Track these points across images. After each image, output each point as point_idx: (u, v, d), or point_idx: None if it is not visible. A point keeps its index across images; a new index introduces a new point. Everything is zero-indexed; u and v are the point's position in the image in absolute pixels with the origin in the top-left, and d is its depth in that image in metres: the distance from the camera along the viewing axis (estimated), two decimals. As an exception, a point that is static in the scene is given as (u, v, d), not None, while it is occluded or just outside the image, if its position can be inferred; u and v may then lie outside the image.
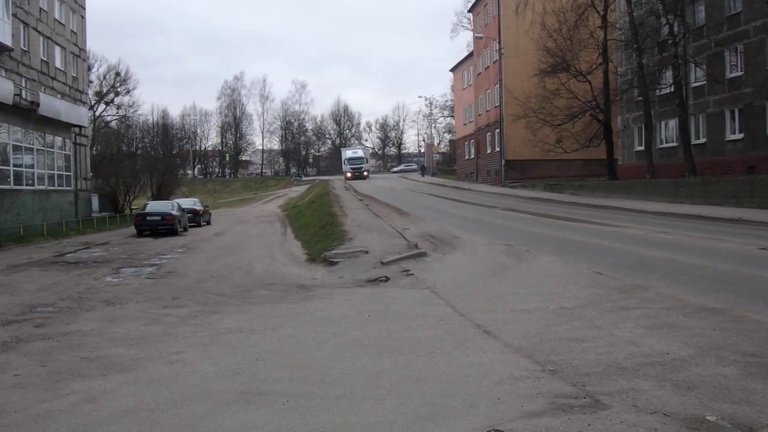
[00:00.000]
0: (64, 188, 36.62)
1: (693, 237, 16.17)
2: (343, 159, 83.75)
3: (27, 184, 31.23)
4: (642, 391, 5.50)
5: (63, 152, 36.59)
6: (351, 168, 77.60)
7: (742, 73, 30.96)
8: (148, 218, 29.54)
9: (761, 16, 29.35)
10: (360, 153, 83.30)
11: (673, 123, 35.68)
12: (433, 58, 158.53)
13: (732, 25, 31.35)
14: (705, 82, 33.38)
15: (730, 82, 31.72)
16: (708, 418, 4.83)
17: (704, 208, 24.27)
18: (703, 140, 33.91)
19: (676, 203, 27.02)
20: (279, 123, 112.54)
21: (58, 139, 35.62)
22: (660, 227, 18.91)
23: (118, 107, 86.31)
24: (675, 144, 35.71)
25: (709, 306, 8.62)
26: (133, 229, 30.94)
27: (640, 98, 35.75)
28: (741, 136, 31.20)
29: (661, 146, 37.53)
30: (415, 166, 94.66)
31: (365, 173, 78.07)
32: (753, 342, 6.83)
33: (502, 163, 49.71)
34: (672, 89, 33.15)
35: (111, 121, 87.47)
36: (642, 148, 36.86)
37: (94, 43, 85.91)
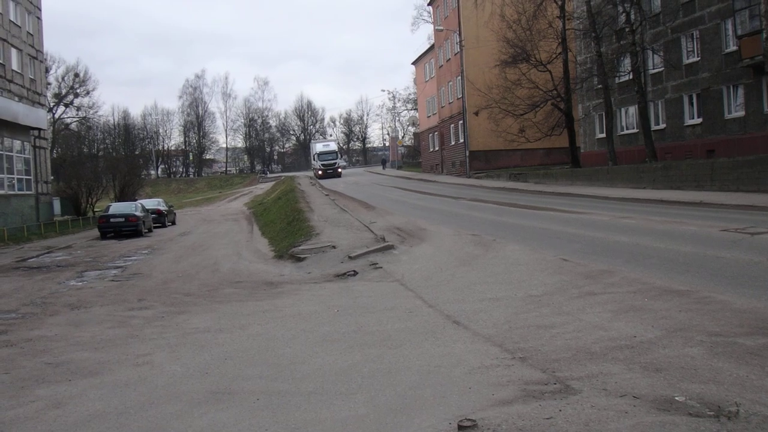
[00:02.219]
0: (25, 192, 35.87)
1: (656, 221, 16.41)
2: (312, 154, 74.03)
3: (-15, 189, 30.51)
4: (611, 375, 5.55)
5: (22, 156, 35.82)
6: (322, 164, 66.63)
7: (699, 58, 31.47)
8: (111, 220, 29.10)
9: (716, 1, 29.85)
10: (332, 146, 72.26)
11: (633, 110, 36.17)
12: (390, 51, 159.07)
13: (687, 11, 31.85)
14: (663, 68, 33.89)
15: (687, 67, 32.24)
16: (677, 398, 4.89)
17: (666, 192, 24.65)
18: (662, 126, 34.44)
19: (639, 188, 27.40)
20: (242, 120, 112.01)
21: (17, 143, 34.85)
22: (623, 213, 19.15)
23: (78, 109, 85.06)
24: (635, 130, 36.20)
25: (674, 288, 8.73)
26: (96, 232, 30.49)
27: (599, 86, 36.16)
28: (699, 120, 31.74)
29: (622, 133, 38.03)
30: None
31: (339, 170, 67.81)
32: (718, 322, 6.94)
33: (467, 154, 49.94)
34: (631, 76, 33.57)
35: (71, 123, 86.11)
36: (603, 135, 37.31)
37: (50, 45, 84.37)
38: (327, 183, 51.19)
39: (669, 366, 5.66)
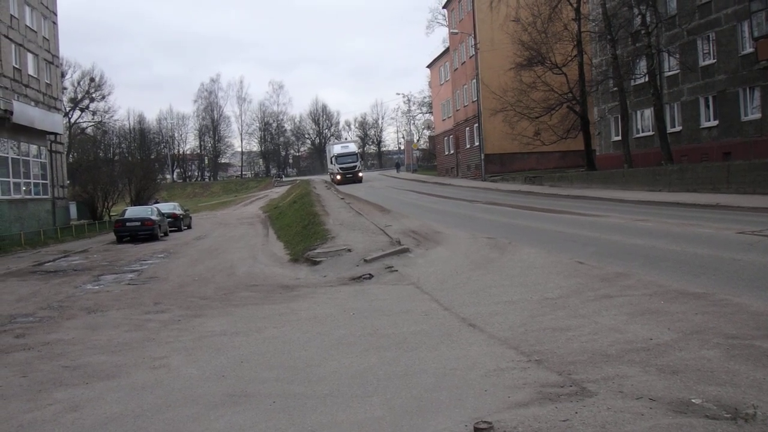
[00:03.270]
0: (41, 197, 36.21)
1: (672, 224, 16.31)
2: (329, 156, 66.52)
3: (3, 194, 30.84)
4: (627, 377, 5.53)
5: (39, 160, 36.17)
6: (341, 168, 59.28)
7: (715, 60, 31.25)
8: (127, 224, 29.32)
9: (732, 3, 29.64)
10: (352, 147, 65.03)
11: (648, 112, 35.95)
12: (404, 54, 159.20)
13: (703, 13, 31.64)
14: (679, 70, 33.67)
15: (704, 70, 32.02)
16: (693, 400, 4.87)
17: (682, 195, 24.48)
18: (678, 128, 34.20)
19: (654, 191, 27.23)
20: (257, 124, 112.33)
21: (33, 147, 35.20)
22: (639, 215, 19.05)
23: (94, 113, 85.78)
24: (651, 133, 35.98)
25: (691, 291, 8.68)
26: (112, 236, 30.70)
27: (615, 89, 35.97)
28: (716, 123, 31.51)
29: (638, 135, 37.82)
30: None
31: (360, 174, 60.62)
32: (735, 325, 6.89)
33: (482, 158, 49.87)
34: (646, 79, 33.36)
35: (87, 128, 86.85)
36: (619, 138, 37.10)
37: (66, 50, 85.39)
38: (346, 189, 47.23)
39: (685, 368, 5.64)
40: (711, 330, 6.77)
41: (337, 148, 63.12)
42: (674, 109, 34.58)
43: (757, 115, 28.87)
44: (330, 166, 64.24)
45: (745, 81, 29.36)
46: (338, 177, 58.78)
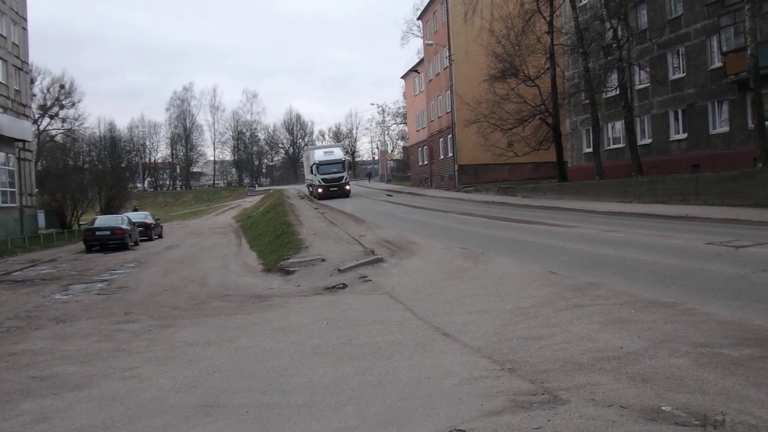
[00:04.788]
0: (9, 205, 35.64)
1: (642, 234, 16.51)
2: (306, 164, 55.97)
3: (-30, 202, 30.32)
4: (599, 385, 5.59)
5: (6, 168, 35.62)
6: (324, 179, 48.86)
7: (685, 74, 31.81)
8: (97, 233, 28.93)
9: (701, 18, 30.23)
10: (338, 153, 52.42)
11: (619, 124, 36.44)
12: (379, 65, 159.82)
13: (673, 28, 32.22)
14: (649, 84, 34.21)
15: (673, 83, 32.56)
16: (663, 408, 4.93)
17: (652, 206, 24.80)
18: (648, 141, 34.72)
19: (625, 202, 27.55)
20: (231, 133, 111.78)
21: (1, 155, 34.69)
22: (610, 226, 19.26)
23: (63, 120, 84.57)
24: (622, 145, 36.47)
25: (660, 300, 8.80)
26: (81, 245, 30.27)
27: (587, 101, 36.43)
28: (685, 135, 32.03)
29: (609, 147, 38.31)
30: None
31: (347, 186, 49.78)
32: (703, 333, 7.00)
33: (456, 168, 50.15)
34: (617, 92, 33.84)
35: (56, 135, 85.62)
36: (590, 149, 37.54)
37: (36, 56, 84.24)
38: (333, 204, 40.36)
39: (656, 376, 5.71)
40: (680, 339, 6.87)
41: (318, 154, 51.16)
42: (644, 121, 35.11)
43: (726, 129, 29.43)
44: (309, 176, 53.72)
45: (713, 95, 29.92)
46: (320, 190, 48.57)
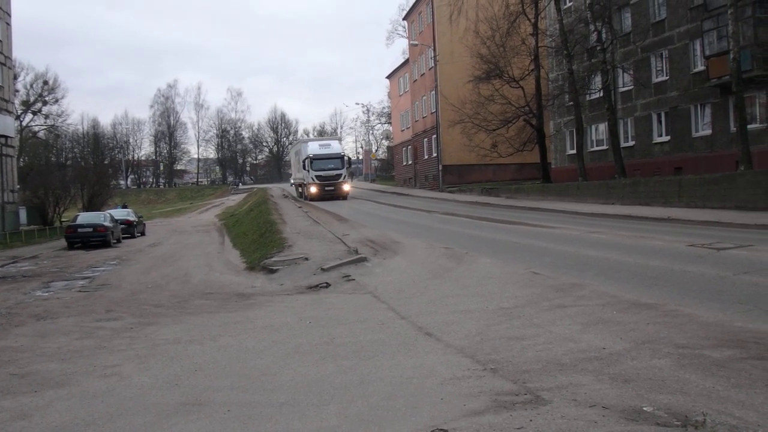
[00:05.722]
0: (-10, 201, 35.26)
1: (625, 236, 16.61)
2: (296, 159, 49.76)
3: (-51, 198, 29.94)
4: (581, 386, 5.61)
5: (-13, 164, 35.24)
6: (318, 176, 41.98)
7: (668, 77, 32.06)
8: (79, 230, 28.71)
9: (685, 22, 30.47)
10: (336, 147, 44.80)
11: (603, 127, 36.66)
12: (364, 66, 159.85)
13: (657, 31, 32.46)
14: (632, 86, 34.45)
15: (657, 86, 32.81)
16: (645, 408, 4.96)
17: (635, 208, 24.96)
18: (632, 143, 34.96)
19: (608, 204, 27.72)
20: (215, 131, 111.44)
21: (-18, 150, 34.30)
22: (593, 227, 19.36)
23: (47, 117, 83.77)
24: (605, 147, 36.68)
25: (643, 301, 8.86)
26: (63, 242, 30.02)
27: (571, 103, 36.60)
28: (668, 138, 32.28)
29: (592, 149, 38.53)
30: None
31: (345, 186, 43.06)
32: (685, 335, 7.05)
33: (440, 168, 50.22)
34: (601, 94, 34.04)
35: (39, 131, 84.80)
36: (574, 151, 37.74)
37: (19, 52, 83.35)
38: (318, 204, 37.48)
39: (637, 377, 5.75)
40: (662, 340, 6.91)
41: (312, 148, 43.83)
42: (628, 124, 35.34)
43: (708, 131, 29.69)
44: (298, 174, 47.66)
45: (696, 98, 30.18)
46: (313, 189, 41.77)
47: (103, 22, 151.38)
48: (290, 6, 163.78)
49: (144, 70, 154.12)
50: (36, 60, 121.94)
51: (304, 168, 43.52)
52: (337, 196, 41.83)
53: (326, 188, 41.80)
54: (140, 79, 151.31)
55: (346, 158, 44.21)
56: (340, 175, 42.52)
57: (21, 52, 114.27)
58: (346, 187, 42.91)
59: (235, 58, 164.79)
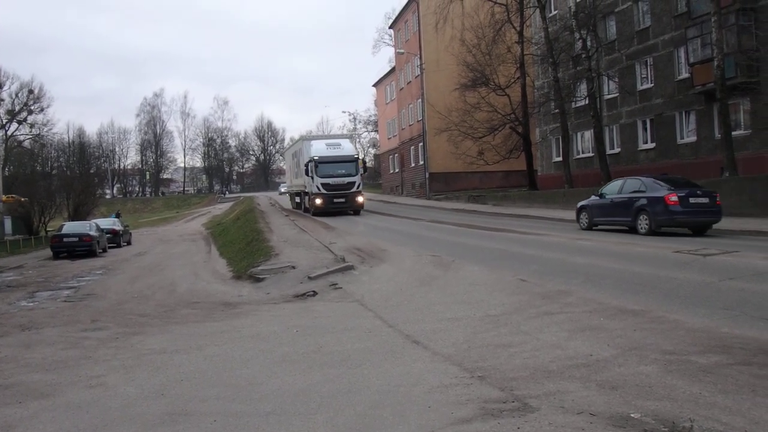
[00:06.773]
0: (-27, 211, 34.95)
1: (611, 243, 16.69)
2: (295, 163, 40.43)
3: (-68, 208, 29.66)
4: (568, 393, 5.61)
5: (-29, 173, 34.96)
6: (325, 183, 32.91)
7: (652, 85, 32.32)
8: (64, 240, 28.52)
9: (669, 30, 30.76)
10: (347, 147, 35.17)
11: (588, 134, 36.89)
12: (350, 74, 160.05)
13: (642, 39, 32.73)
14: (618, 94, 34.70)
15: (642, 93, 33.06)
16: (632, 415, 4.96)
17: (621, 215, 25.03)
18: (617, 150, 35.18)
19: (595, 211, 27.78)
20: (201, 140, 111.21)
21: (-34, 160, 34.02)
22: (580, 234, 19.44)
23: (32, 126, 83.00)
24: (591, 154, 36.91)
25: (629, 308, 8.89)
26: (49, 252, 29.80)
27: (556, 111, 36.84)
28: (653, 145, 32.52)
29: (578, 156, 38.73)
30: None
31: (359, 198, 34.23)
32: (671, 341, 7.08)
33: (426, 176, 50.31)
34: (587, 101, 34.30)
35: (24, 141, 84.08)
36: (560, 158, 37.94)
37: (2, 60, 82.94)
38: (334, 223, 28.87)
39: (624, 384, 5.75)
40: (649, 346, 6.93)
41: (318, 148, 34.28)
42: (613, 131, 35.57)
43: (693, 138, 29.94)
44: (295, 180, 39.42)
45: (681, 105, 30.43)
46: (318, 201, 33.10)
47: (83, 29, 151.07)
48: (274, 14, 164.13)
49: (127, 77, 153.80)
50: (20, 68, 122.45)
51: (306, 173, 34.10)
52: (348, 209, 33.85)
53: (335, 200, 33.10)
54: (123, 86, 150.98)
55: (360, 161, 35.15)
56: (354, 183, 33.65)
57: (4, 60, 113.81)
58: (360, 199, 34.29)
59: (219, 64, 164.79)
